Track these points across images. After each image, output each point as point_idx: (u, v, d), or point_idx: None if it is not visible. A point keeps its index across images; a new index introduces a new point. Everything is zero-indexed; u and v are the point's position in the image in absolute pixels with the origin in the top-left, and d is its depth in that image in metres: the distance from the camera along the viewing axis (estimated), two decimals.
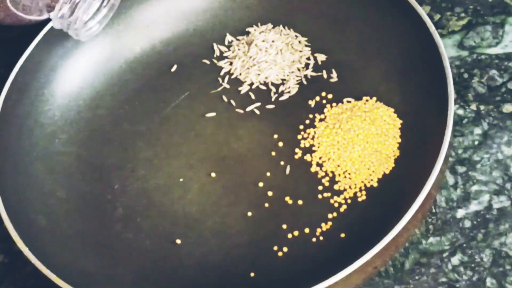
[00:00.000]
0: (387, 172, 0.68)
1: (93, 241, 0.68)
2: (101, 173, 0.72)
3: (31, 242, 0.64)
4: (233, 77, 0.76)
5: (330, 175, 0.69)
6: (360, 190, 0.67)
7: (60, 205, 0.70)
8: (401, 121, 0.70)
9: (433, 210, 0.67)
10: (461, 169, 0.69)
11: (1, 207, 0.66)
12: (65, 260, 0.66)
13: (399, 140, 0.69)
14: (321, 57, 0.75)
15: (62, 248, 0.67)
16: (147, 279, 0.66)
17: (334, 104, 0.72)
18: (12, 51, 0.78)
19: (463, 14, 0.77)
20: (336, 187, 0.68)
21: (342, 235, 0.66)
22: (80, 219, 0.69)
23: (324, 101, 0.73)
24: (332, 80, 0.74)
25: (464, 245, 0.65)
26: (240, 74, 0.76)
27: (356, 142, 0.69)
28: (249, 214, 0.68)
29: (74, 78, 0.76)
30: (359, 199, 0.67)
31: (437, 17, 0.77)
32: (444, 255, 0.65)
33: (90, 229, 0.69)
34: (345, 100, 0.72)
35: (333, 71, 0.74)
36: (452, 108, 0.65)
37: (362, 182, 0.68)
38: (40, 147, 0.73)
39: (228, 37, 0.78)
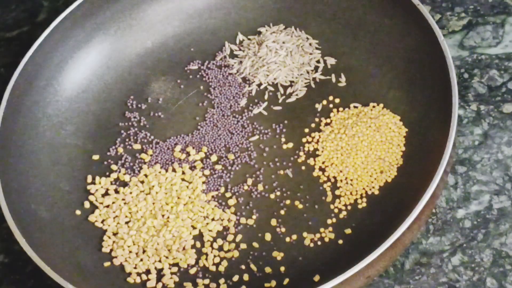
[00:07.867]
0: (389, 180, 0.67)
1: (92, 235, 0.68)
2: (105, 167, 0.72)
3: (29, 232, 0.65)
4: (241, 76, 0.76)
5: (332, 180, 0.68)
6: (361, 197, 0.67)
7: (62, 197, 0.70)
8: (406, 130, 0.69)
9: (433, 210, 0.66)
10: (461, 169, 0.68)
11: (1, 196, 0.66)
12: (62, 252, 0.66)
13: (403, 148, 0.68)
14: (330, 61, 0.75)
15: (59, 240, 0.67)
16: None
17: (340, 109, 0.72)
18: (13, 50, 0.79)
19: (463, 14, 0.76)
20: (337, 192, 0.68)
21: (340, 241, 0.65)
22: (81, 212, 0.70)
23: (331, 105, 0.72)
24: (340, 85, 0.74)
25: (464, 245, 0.65)
26: (249, 73, 0.75)
27: (360, 149, 0.69)
28: (249, 215, 0.68)
29: (83, 70, 0.76)
30: (359, 206, 0.67)
31: (437, 17, 0.77)
32: (444, 255, 0.65)
33: (90, 223, 0.69)
34: (351, 105, 0.72)
35: (342, 75, 0.74)
36: (454, 126, 0.64)
37: (364, 189, 0.67)
38: (46, 137, 0.73)
39: (240, 36, 0.78)
